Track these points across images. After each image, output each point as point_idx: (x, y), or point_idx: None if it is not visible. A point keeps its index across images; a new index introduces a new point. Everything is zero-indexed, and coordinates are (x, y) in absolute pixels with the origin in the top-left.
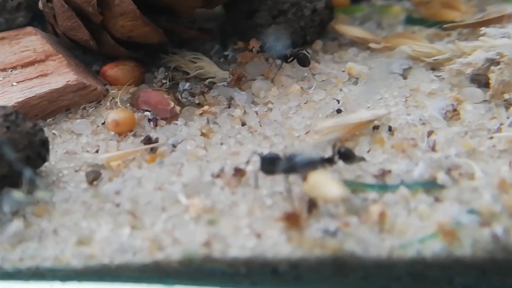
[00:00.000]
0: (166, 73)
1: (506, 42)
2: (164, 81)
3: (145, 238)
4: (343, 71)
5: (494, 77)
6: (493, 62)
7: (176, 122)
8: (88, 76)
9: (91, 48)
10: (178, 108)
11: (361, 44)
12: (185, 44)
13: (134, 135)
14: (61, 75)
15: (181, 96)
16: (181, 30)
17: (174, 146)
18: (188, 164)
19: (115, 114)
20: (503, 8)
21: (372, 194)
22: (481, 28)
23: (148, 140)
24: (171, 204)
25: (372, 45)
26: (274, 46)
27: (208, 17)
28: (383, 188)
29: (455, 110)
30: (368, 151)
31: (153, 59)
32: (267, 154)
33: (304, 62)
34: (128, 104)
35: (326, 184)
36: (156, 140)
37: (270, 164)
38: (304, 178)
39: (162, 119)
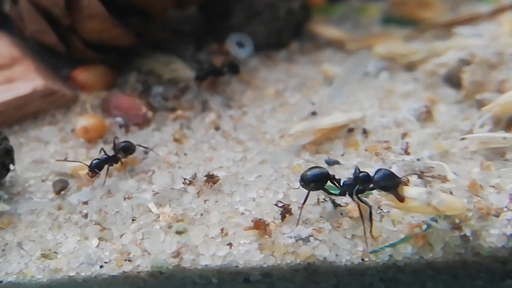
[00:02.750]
0: (139, 77)
1: (478, 42)
2: (137, 85)
3: (113, 249)
4: (319, 72)
5: (466, 77)
6: (465, 62)
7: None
8: (57, 81)
9: (60, 52)
10: (150, 113)
11: (337, 45)
12: (159, 47)
13: (105, 142)
14: (28, 80)
15: (154, 100)
16: (153, 32)
17: (145, 153)
18: (159, 172)
19: (84, 121)
20: (475, 7)
21: (344, 199)
22: (455, 28)
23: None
24: (141, 213)
25: (349, 45)
26: (237, 50)
27: (182, 19)
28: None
29: (428, 111)
30: (343, 155)
31: (126, 63)
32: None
33: (235, 69)
34: (99, 110)
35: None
36: None
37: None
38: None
39: (134, 124)
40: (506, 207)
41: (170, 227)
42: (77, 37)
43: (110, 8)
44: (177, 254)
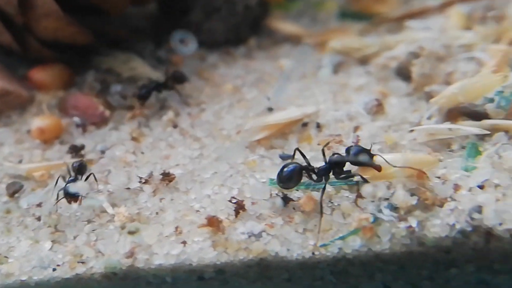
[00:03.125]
0: (97, 76)
1: (427, 35)
2: (95, 84)
3: (66, 252)
4: (276, 68)
5: (415, 70)
6: (414, 55)
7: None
8: (13, 81)
9: (15, 51)
10: (108, 112)
11: (295, 40)
12: (118, 45)
13: (61, 143)
14: None
15: (112, 99)
16: (111, 30)
17: (102, 152)
18: (115, 171)
19: (40, 121)
20: (426, 1)
21: (297, 193)
22: (406, 22)
23: (73, 149)
24: (96, 214)
25: (306, 40)
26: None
27: (142, 16)
28: (308, 186)
29: (379, 104)
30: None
31: (84, 61)
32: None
33: (180, 79)
34: (56, 110)
35: None
36: (82, 148)
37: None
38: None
39: (91, 124)
40: (450, 197)
41: (124, 227)
42: (32, 36)
43: (65, 7)
44: (130, 254)
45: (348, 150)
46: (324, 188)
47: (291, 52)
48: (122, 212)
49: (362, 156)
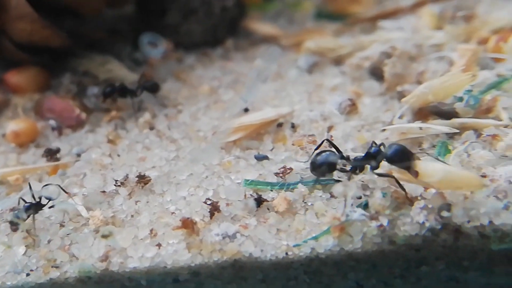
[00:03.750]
0: (74, 78)
1: (399, 35)
2: (72, 87)
3: (40, 256)
4: (253, 69)
5: (387, 70)
6: (387, 55)
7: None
8: None
9: None
10: (84, 115)
11: (272, 41)
12: (95, 47)
13: (37, 146)
14: None
15: (89, 101)
16: (88, 32)
17: (78, 155)
18: (91, 174)
19: (14, 125)
20: (399, 1)
21: (271, 194)
22: (379, 22)
23: (48, 153)
24: (71, 218)
25: (282, 41)
26: (149, 50)
27: (119, 18)
28: (283, 186)
29: (353, 104)
30: (272, 149)
31: (60, 64)
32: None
33: (154, 89)
34: (32, 113)
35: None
36: (57, 151)
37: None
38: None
39: (67, 127)
40: (421, 195)
41: (99, 230)
42: (7, 39)
43: (39, 9)
44: (105, 257)
45: (390, 146)
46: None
47: (267, 53)
48: (97, 216)
49: (400, 156)
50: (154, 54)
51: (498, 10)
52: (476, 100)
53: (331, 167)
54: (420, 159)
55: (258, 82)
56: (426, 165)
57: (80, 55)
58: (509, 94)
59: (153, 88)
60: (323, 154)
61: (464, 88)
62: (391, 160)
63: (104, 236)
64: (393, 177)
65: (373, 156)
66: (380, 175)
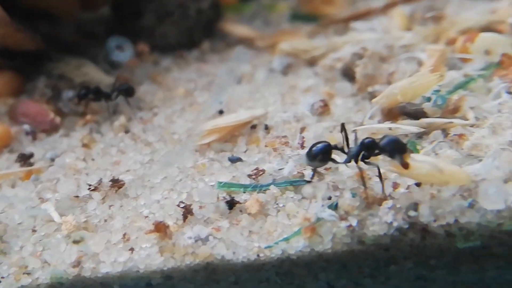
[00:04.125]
0: (49, 82)
1: (371, 36)
2: (46, 91)
3: (12, 263)
4: (228, 70)
5: (358, 71)
6: (358, 56)
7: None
8: None
9: None
10: (58, 119)
11: (247, 43)
12: (70, 50)
13: (10, 151)
14: None
15: (63, 105)
16: (63, 35)
17: (52, 160)
18: (65, 179)
19: None
20: (370, 2)
21: (244, 196)
22: (351, 23)
23: (22, 158)
24: (43, 223)
25: (258, 43)
26: (116, 54)
27: (95, 21)
28: (255, 188)
29: (325, 105)
30: (245, 151)
31: (35, 68)
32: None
33: (129, 93)
34: (6, 117)
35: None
36: (31, 156)
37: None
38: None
39: (42, 131)
40: (389, 195)
41: (72, 235)
42: None
43: (13, 13)
44: (77, 263)
45: (384, 137)
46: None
47: (243, 55)
48: (69, 221)
49: (393, 147)
50: (121, 58)
51: (466, 10)
52: (444, 100)
53: (326, 156)
54: (413, 152)
55: (233, 84)
56: (414, 158)
57: (55, 59)
58: (475, 94)
59: (128, 91)
60: (319, 144)
61: (432, 88)
62: (383, 150)
63: (76, 242)
64: (378, 167)
65: (367, 146)
66: (368, 163)
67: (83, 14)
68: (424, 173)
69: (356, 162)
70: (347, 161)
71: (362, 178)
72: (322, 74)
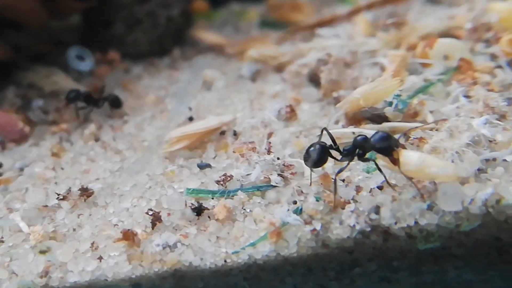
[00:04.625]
0: (18, 91)
1: (335, 42)
2: (16, 100)
3: None
4: (199, 78)
5: (323, 76)
6: (323, 62)
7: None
8: None
9: None
10: (28, 128)
11: (218, 50)
12: (40, 59)
13: None
14: None
15: (33, 114)
16: (31, 44)
17: (21, 169)
18: (33, 189)
19: None
20: (336, 9)
21: (212, 202)
22: (317, 30)
23: None
24: (11, 234)
25: (228, 50)
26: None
27: (66, 29)
28: (223, 193)
29: (292, 110)
30: (214, 157)
31: (4, 77)
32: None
33: (117, 104)
34: None
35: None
36: None
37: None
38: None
39: (11, 141)
40: (353, 199)
41: (40, 245)
42: None
43: None
44: (45, 273)
45: (374, 134)
46: (345, 168)
47: (213, 62)
48: (37, 231)
49: (382, 144)
50: (82, 67)
51: (426, 16)
52: (405, 105)
53: (324, 157)
54: (405, 148)
55: (203, 90)
56: (405, 153)
57: (25, 68)
58: (435, 98)
59: (116, 103)
60: (316, 145)
61: (393, 93)
62: (373, 146)
63: (42, 252)
64: (374, 161)
65: (360, 144)
66: (364, 160)
67: (53, 23)
68: (411, 169)
69: (352, 160)
70: (343, 160)
71: (335, 182)
72: (289, 80)
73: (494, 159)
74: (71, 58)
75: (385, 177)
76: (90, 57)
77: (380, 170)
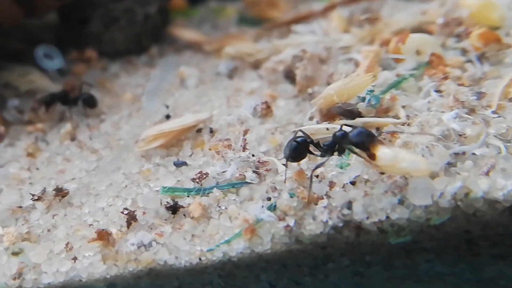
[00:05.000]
0: None
1: (311, 39)
2: None
3: None
4: (176, 75)
5: (298, 73)
6: (298, 58)
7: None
8: None
9: None
10: (2, 128)
11: (196, 47)
12: (17, 58)
13: None
14: None
15: (8, 114)
16: (6, 43)
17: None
18: (7, 190)
19: None
20: (311, 6)
21: (188, 199)
22: (293, 26)
23: None
24: None
25: (205, 47)
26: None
27: (43, 27)
28: (199, 191)
29: (268, 107)
30: (191, 155)
31: None
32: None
33: (91, 103)
34: None
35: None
36: None
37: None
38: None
39: None
40: (326, 194)
41: (13, 247)
42: None
43: None
44: (18, 275)
45: (353, 129)
46: (323, 163)
47: (191, 59)
48: (11, 232)
49: (360, 139)
50: (50, 66)
51: (399, 12)
52: (377, 100)
53: (303, 152)
54: (383, 143)
55: (180, 88)
56: (385, 149)
57: (0, 67)
58: (407, 93)
59: (91, 103)
60: (297, 139)
61: (366, 88)
62: (351, 141)
63: (15, 254)
64: (357, 154)
65: (339, 139)
66: (355, 153)
67: (30, 21)
68: (384, 164)
69: (331, 155)
70: (323, 155)
71: (310, 178)
72: (265, 77)
73: (464, 153)
74: (39, 57)
75: (364, 158)
76: (59, 56)
77: (357, 154)
